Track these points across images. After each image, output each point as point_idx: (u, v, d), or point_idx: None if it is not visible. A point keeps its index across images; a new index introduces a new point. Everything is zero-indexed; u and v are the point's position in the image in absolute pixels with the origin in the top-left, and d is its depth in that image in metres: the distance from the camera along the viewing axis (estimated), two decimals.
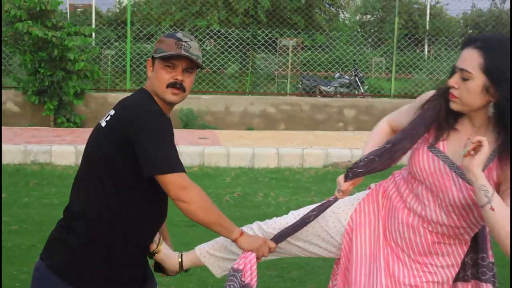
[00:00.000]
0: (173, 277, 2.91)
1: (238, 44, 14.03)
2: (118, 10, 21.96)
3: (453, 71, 2.31)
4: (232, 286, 2.54)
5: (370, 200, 2.66)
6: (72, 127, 11.24)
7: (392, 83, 13.31)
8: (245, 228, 2.73)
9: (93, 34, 14.27)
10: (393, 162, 2.49)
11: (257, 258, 2.59)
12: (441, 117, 2.39)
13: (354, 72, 14.81)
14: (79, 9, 22.00)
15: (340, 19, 20.00)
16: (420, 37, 16.47)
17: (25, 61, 11.13)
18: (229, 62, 14.70)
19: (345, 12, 20.73)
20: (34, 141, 9.40)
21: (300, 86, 14.90)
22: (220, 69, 14.45)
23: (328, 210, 2.66)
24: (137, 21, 16.91)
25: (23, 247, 5.35)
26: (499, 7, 23.61)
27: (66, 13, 16.95)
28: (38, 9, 10.78)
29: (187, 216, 2.42)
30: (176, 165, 2.36)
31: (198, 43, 2.59)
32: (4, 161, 8.46)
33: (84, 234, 2.43)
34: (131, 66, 12.84)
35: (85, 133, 10.18)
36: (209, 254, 2.82)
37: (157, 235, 2.73)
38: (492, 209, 2.11)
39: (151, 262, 2.79)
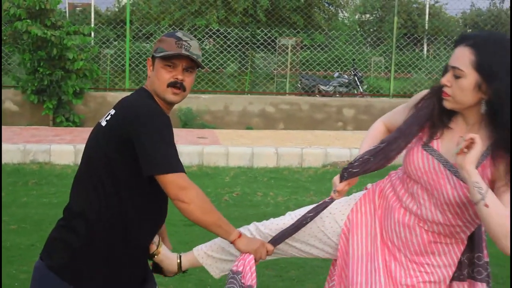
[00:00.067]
0: (171, 277, 2.91)
1: (237, 43, 14.02)
2: (117, 9, 21.98)
3: (445, 69, 2.32)
4: None
5: (367, 200, 2.66)
6: (71, 127, 11.23)
7: (391, 83, 13.31)
8: (242, 229, 2.73)
9: (92, 33, 14.27)
10: (388, 161, 2.49)
11: (255, 260, 2.59)
12: (434, 116, 2.40)
13: (353, 72, 14.81)
14: (78, 8, 22.01)
15: (339, 19, 19.99)
16: (419, 36, 16.47)
17: (24, 60, 11.12)
18: (228, 62, 14.69)
19: (344, 12, 20.73)
20: (33, 141, 9.39)
21: (299, 85, 14.90)
22: (219, 68, 14.44)
23: (324, 210, 2.66)
24: (136, 20, 16.89)
25: (22, 247, 5.35)
26: (498, 6, 23.63)
27: (65, 12, 16.95)
28: (37, 8, 10.77)
29: (186, 216, 2.42)
30: (176, 165, 2.36)
31: (198, 42, 2.59)
32: (3, 161, 8.45)
33: (84, 234, 2.43)
34: (130, 65, 12.83)
35: (84, 132, 10.18)
36: (207, 255, 2.82)
37: (157, 237, 2.73)
38: (486, 205, 2.11)
39: (149, 263, 2.79)
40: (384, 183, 2.64)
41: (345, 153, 9.27)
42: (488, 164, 2.26)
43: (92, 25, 14.50)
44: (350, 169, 2.54)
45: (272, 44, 14.43)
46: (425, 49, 17.41)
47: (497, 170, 2.23)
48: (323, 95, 14.15)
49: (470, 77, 2.22)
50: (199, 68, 2.60)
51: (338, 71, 15.00)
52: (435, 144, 2.39)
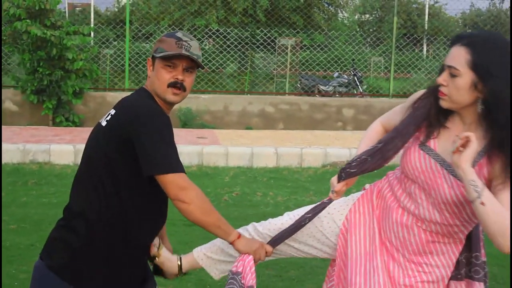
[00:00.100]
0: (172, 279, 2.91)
1: (237, 43, 14.02)
2: (116, 9, 21.98)
3: (442, 69, 2.32)
4: None
5: (365, 200, 2.67)
6: (71, 126, 11.23)
7: (391, 83, 13.31)
8: (240, 230, 2.74)
9: (92, 33, 14.27)
10: (385, 161, 2.50)
11: (254, 261, 2.60)
12: (431, 115, 2.40)
13: (353, 72, 14.81)
14: (77, 8, 22.01)
15: (339, 19, 19.98)
16: (418, 36, 16.47)
17: (24, 60, 11.12)
18: (228, 62, 14.69)
19: (344, 12, 20.72)
20: (32, 140, 9.39)
21: (298, 85, 14.90)
22: (219, 68, 14.44)
23: (323, 211, 2.66)
24: (136, 20, 16.89)
25: (22, 247, 5.35)
26: (497, 6, 23.64)
27: (65, 12, 16.95)
28: (37, 8, 10.77)
29: (185, 217, 2.42)
30: (176, 166, 2.36)
31: (198, 42, 2.59)
32: (2, 161, 8.45)
33: (84, 234, 2.43)
34: (130, 65, 12.83)
35: (84, 132, 10.18)
36: (206, 256, 2.82)
37: (157, 239, 2.73)
38: (483, 203, 2.11)
39: (149, 264, 2.79)
40: (382, 183, 2.65)
41: (344, 153, 9.27)
42: (485, 163, 2.26)
43: (92, 25, 14.50)
44: (347, 170, 2.55)
45: (272, 44, 14.43)
46: (425, 49, 17.41)
47: (493, 169, 2.24)
48: (323, 95, 14.15)
49: (466, 76, 2.22)
50: (199, 68, 2.60)
51: (337, 71, 15.00)
52: (432, 143, 2.39)
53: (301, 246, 2.75)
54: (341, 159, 9.14)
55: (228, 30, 14.19)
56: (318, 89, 14.73)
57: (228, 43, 14.07)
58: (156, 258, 2.73)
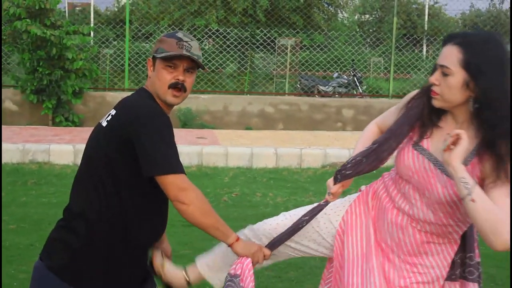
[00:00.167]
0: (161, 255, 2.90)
1: (237, 43, 14.02)
2: (116, 9, 21.99)
3: (434, 68, 2.33)
4: None
5: (361, 202, 2.68)
6: (71, 126, 11.23)
7: (391, 83, 13.31)
8: (238, 234, 2.74)
9: (92, 33, 14.27)
10: (380, 162, 2.50)
11: (252, 264, 2.60)
12: (424, 115, 2.41)
13: (353, 72, 14.81)
14: (77, 8, 22.00)
15: (339, 19, 20.00)
16: (418, 37, 16.48)
17: (24, 59, 11.12)
18: (228, 62, 14.70)
19: (343, 12, 20.74)
20: (32, 140, 9.39)
21: (298, 86, 14.90)
22: (219, 68, 14.44)
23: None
24: (136, 20, 16.90)
25: (21, 246, 5.35)
26: (497, 7, 23.66)
27: (65, 11, 16.95)
28: (37, 7, 10.77)
29: (185, 218, 2.42)
30: (176, 166, 2.37)
31: (198, 42, 2.59)
32: (2, 160, 8.45)
33: (84, 234, 2.43)
34: (129, 65, 12.82)
35: (84, 132, 10.19)
36: (208, 267, 2.82)
37: (159, 257, 2.72)
38: (473, 200, 2.11)
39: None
40: (377, 185, 2.66)
41: (344, 154, 9.26)
42: (477, 162, 2.26)
43: (92, 25, 14.51)
44: (343, 171, 2.56)
45: (272, 44, 14.43)
46: (425, 49, 17.42)
47: (484, 168, 2.24)
48: (323, 96, 14.15)
49: (458, 75, 2.23)
50: (199, 69, 2.60)
51: (337, 71, 15.00)
52: (425, 143, 2.40)
53: (297, 246, 2.76)
54: (341, 159, 9.13)
55: (228, 30, 14.19)
56: (318, 89, 14.73)
57: (228, 43, 14.07)
58: (162, 276, 2.72)
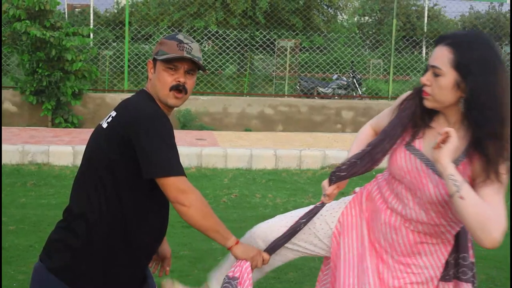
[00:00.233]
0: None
1: (236, 45, 14.03)
2: (116, 11, 21.99)
3: (426, 69, 2.34)
4: None
5: (356, 203, 2.69)
6: (70, 128, 11.24)
7: (390, 85, 13.32)
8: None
9: (91, 35, 14.27)
10: (374, 164, 2.51)
11: (251, 268, 2.60)
12: (416, 116, 2.42)
13: (352, 74, 14.82)
14: (77, 9, 21.99)
15: (338, 21, 20.00)
16: (418, 39, 16.49)
17: (23, 61, 11.13)
18: (227, 63, 14.71)
19: (343, 14, 20.74)
20: (31, 142, 9.39)
21: (298, 87, 14.91)
22: (218, 70, 14.45)
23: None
24: (135, 22, 16.92)
25: (21, 248, 5.35)
26: (497, 9, 23.67)
27: (64, 13, 16.95)
28: (36, 9, 10.77)
29: (185, 220, 2.42)
30: (176, 169, 2.37)
31: (198, 44, 2.60)
32: (1, 161, 8.44)
33: (84, 235, 2.43)
34: (129, 66, 12.83)
35: (83, 133, 10.19)
36: (218, 281, 2.80)
37: (170, 283, 2.71)
38: (461, 197, 2.11)
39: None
40: (371, 186, 2.67)
41: (343, 155, 9.15)
42: (468, 162, 2.27)
43: (91, 26, 14.48)
44: (337, 173, 2.58)
45: (271, 46, 14.45)
46: (424, 51, 17.41)
47: (474, 168, 2.25)
48: (322, 97, 14.16)
49: (449, 75, 2.23)
50: (199, 70, 2.60)
51: (337, 73, 15.01)
52: (417, 143, 2.41)
53: (294, 247, 2.76)
54: (340, 161, 9.09)
55: (228, 32, 14.20)
56: (317, 91, 14.73)
57: (227, 44, 14.08)
58: None
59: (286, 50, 14.25)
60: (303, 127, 12.20)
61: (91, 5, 14.97)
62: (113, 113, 2.50)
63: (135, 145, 2.35)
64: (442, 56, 2.25)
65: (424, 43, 17.26)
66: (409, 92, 2.51)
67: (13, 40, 11.27)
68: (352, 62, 15.02)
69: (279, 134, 11.61)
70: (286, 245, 2.74)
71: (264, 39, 14.17)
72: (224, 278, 2.60)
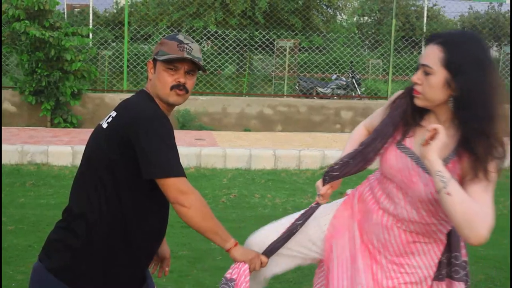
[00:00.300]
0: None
1: (235, 45, 14.03)
2: (115, 11, 21.95)
3: (417, 68, 2.35)
4: None
5: (348, 206, 2.70)
6: (69, 128, 11.23)
7: (389, 85, 13.33)
8: None
9: (90, 35, 14.25)
10: (367, 163, 2.52)
11: (249, 271, 2.60)
12: (407, 114, 2.43)
13: (351, 74, 14.82)
14: (76, 9, 21.96)
15: (338, 21, 19.99)
16: (417, 39, 16.47)
17: (22, 61, 11.12)
18: (226, 63, 14.71)
19: (342, 14, 20.74)
20: (30, 142, 9.39)
21: (297, 87, 14.91)
22: (217, 70, 14.45)
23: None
24: (134, 22, 16.90)
25: (20, 248, 5.34)
26: (496, 9, 23.67)
27: (64, 13, 16.94)
28: (36, 8, 10.77)
29: (184, 221, 2.43)
30: (176, 169, 2.37)
31: (198, 44, 2.60)
32: (1, 162, 8.44)
33: (84, 235, 2.43)
34: (128, 66, 12.83)
35: (82, 133, 10.19)
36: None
37: None
38: (448, 193, 2.11)
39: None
40: (362, 187, 2.68)
41: None
42: (457, 161, 2.28)
43: (90, 26, 14.46)
44: (330, 172, 2.58)
45: (270, 46, 14.45)
46: (423, 51, 17.40)
47: (463, 166, 2.25)
48: (321, 97, 14.16)
49: (439, 74, 2.24)
50: (199, 71, 2.61)
51: (336, 73, 15.01)
52: (408, 142, 2.42)
53: (289, 252, 2.75)
54: None
55: (227, 32, 14.20)
56: (317, 91, 14.74)
57: (226, 45, 14.08)
58: None
59: (285, 50, 14.26)
60: (302, 127, 12.20)
61: (90, 5, 14.96)
62: (113, 113, 2.50)
63: (135, 145, 2.35)
64: (432, 55, 2.26)
65: (423, 43, 17.25)
66: (401, 91, 2.53)
67: (12, 40, 11.26)
68: (351, 62, 15.03)
69: (278, 134, 11.61)
70: (282, 251, 2.73)
71: (263, 39, 14.16)
72: (222, 280, 2.61)
